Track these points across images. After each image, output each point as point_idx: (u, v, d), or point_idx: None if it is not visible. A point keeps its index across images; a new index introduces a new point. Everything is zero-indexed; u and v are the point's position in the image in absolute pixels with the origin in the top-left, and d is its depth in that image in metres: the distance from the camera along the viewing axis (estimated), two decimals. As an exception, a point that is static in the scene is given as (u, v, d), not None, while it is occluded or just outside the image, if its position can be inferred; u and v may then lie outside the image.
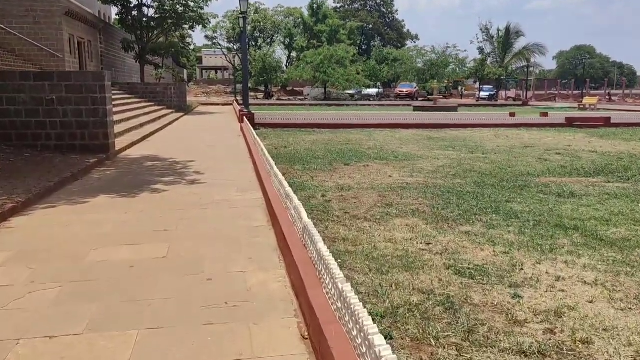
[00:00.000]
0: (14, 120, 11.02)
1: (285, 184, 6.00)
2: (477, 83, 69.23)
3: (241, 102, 45.79)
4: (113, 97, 26.71)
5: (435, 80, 47.69)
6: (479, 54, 53.25)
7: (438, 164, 11.47)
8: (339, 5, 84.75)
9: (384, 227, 6.19)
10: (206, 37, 71.07)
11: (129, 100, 26.21)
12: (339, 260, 4.75)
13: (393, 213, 6.86)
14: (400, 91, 56.12)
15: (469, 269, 4.76)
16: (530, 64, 51.69)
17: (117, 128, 15.96)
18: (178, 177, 9.34)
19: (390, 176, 9.80)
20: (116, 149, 12.23)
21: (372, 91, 55.88)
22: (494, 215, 6.71)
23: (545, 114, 26.42)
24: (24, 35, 23.95)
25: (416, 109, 37.15)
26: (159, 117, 23.34)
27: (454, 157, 12.56)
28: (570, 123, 22.77)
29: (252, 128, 15.93)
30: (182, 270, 4.65)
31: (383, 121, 21.51)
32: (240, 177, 9.45)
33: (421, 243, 5.54)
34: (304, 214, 4.65)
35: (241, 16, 21.11)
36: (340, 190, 8.38)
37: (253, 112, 21.06)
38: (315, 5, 67.30)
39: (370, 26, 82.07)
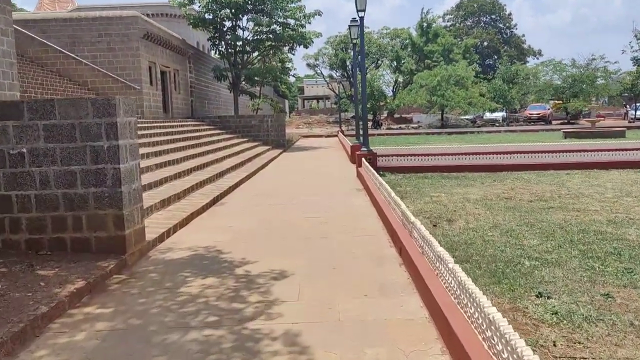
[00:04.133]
0: (-45, 197, 5.82)
1: None
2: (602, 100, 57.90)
3: (347, 131, 40.44)
4: (199, 133, 22.20)
5: (594, 100, 38.92)
6: (634, 65, 43.44)
7: None
8: (449, 24, 77.81)
9: None
10: (308, 65, 67.61)
11: (217, 137, 21.49)
12: None
13: None
14: (530, 114, 47.67)
15: None
16: None
17: (184, 182, 10.72)
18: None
19: None
20: (150, 238, 6.68)
21: (498, 115, 47.93)
22: None
23: None
24: (97, 65, 20.14)
25: (568, 135, 29.34)
26: (249, 159, 18.13)
27: None
28: None
29: (378, 177, 9.87)
30: None
31: (560, 158, 14.44)
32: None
33: None
34: None
35: (357, 18, 15.39)
36: None
37: (373, 150, 15.03)
38: (424, 24, 61.03)
39: (486, 43, 74.03)
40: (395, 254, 6.14)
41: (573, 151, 14.47)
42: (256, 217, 8.71)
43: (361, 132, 18.96)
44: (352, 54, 62.61)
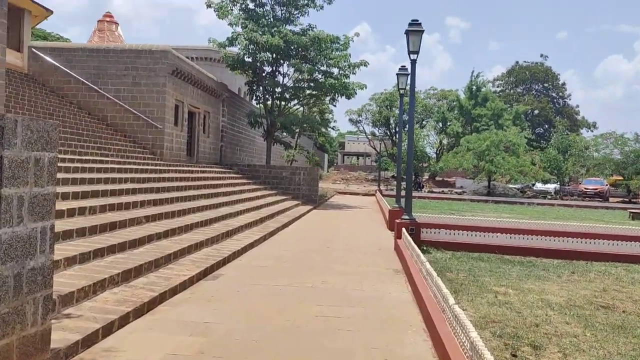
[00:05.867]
0: None
1: None
2: None
3: (386, 190, 37.84)
4: (220, 182, 19.62)
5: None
6: None
7: None
8: (498, 90, 75.60)
9: None
10: (350, 120, 66.36)
11: (241, 187, 19.36)
12: None
13: None
14: (585, 189, 44.11)
15: None
16: None
17: (175, 242, 8.42)
18: None
19: None
20: (68, 342, 4.24)
21: (550, 187, 44.46)
22: None
23: None
24: (120, 99, 18.57)
25: (636, 216, 25.98)
26: (271, 215, 15.76)
27: None
28: None
29: (424, 262, 7.26)
30: None
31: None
32: None
33: None
34: None
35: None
36: None
37: (416, 218, 12.36)
38: (474, 87, 59.08)
39: (537, 112, 71.17)
40: None
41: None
42: (250, 309, 6.16)
43: (403, 193, 16.36)
44: (396, 112, 61.22)
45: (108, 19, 34.80)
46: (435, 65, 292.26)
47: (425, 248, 11.23)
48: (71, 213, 7.96)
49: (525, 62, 76.26)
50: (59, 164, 10.51)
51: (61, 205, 8.13)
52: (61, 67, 18.56)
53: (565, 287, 8.42)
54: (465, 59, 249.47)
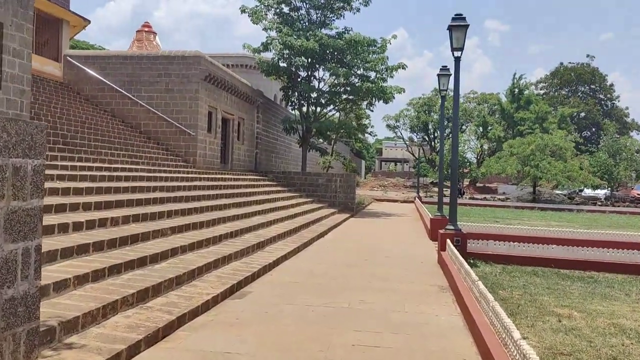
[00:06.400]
0: None
1: None
2: None
3: (425, 197, 36.65)
4: (254, 189, 18.43)
5: None
6: None
7: None
8: (542, 92, 72.99)
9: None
10: (388, 126, 65.48)
11: (275, 195, 18.77)
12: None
13: None
14: (638, 194, 41.85)
15: None
16: None
17: (200, 256, 7.84)
18: None
19: None
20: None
21: (600, 192, 42.23)
22: None
23: None
24: (152, 106, 18.31)
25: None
26: (306, 224, 15.06)
27: None
28: None
29: (475, 281, 6.42)
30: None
31: None
32: None
33: None
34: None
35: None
36: None
37: (461, 228, 11.40)
38: (516, 90, 57.07)
39: (583, 114, 68.26)
40: None
41: None
42: (277, 336, 5.44)
43: (444, 200, 15.50)
44: (435, 117, 59.80)
45: (146, 29, 35.02)
46: (474, 69, 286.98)
47: (472, 261, 10.28)
48: (91, 225, 7.45)
49: (570, 63, 73.50)
50: (84, 173, 10.14)
51: (81, 216, 7.66)
52: (95, 74, 18.48)
53: (638, 308, 7.37)
54: (505, 62, 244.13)
